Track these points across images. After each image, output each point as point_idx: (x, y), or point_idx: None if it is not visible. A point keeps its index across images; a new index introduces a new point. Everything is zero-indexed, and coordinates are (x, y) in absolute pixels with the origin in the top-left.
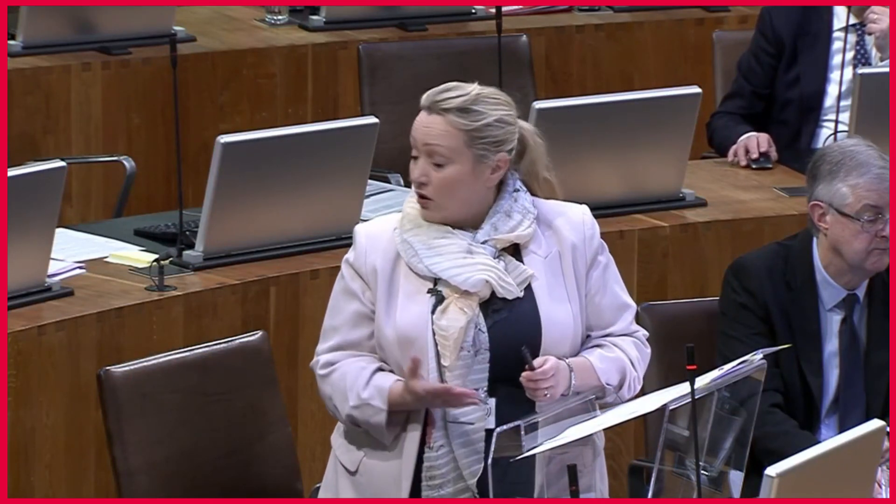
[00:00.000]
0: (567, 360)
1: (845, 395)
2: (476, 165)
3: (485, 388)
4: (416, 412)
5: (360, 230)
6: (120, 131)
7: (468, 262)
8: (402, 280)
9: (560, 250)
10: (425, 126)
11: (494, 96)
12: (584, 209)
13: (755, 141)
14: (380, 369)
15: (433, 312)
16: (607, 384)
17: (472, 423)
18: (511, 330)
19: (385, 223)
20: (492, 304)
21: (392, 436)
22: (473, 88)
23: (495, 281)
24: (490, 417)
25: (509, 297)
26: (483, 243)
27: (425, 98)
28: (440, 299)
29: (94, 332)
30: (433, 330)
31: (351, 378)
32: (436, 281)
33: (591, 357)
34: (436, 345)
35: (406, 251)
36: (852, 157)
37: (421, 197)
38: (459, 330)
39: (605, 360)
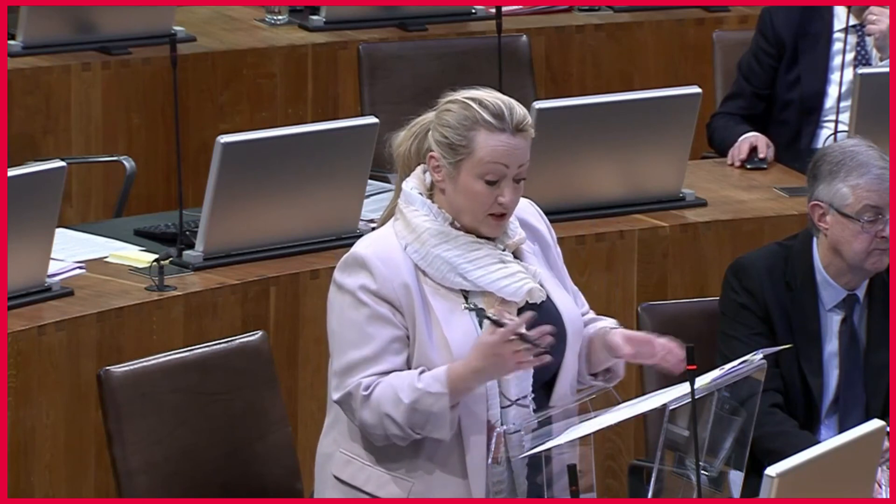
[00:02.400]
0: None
1: (845, 396)
2: None
3: (532, 395)
4: (478, 427)
5: (368, 255)
6: (120, 131)
7: (510, 272)
8: (430, 298)
9: (539, 245)
10: (517, 149)
11: None
12: (531, 202)
13: (747, 144)
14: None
15: (481, 327)
16: None
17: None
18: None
19: (387, 242)
20: (523, 310)
21: (452, 431)
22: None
23: (536, 287)
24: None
25: (538, 302)
26: (503, 250)
27: (504, 121)
28: (480, 312)
29: (94, 332)
30: None
31: (399, 381)
32: (465, 294)
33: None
34: None
35: (439, 267)
36: (853, 158)
37: (501, 216)
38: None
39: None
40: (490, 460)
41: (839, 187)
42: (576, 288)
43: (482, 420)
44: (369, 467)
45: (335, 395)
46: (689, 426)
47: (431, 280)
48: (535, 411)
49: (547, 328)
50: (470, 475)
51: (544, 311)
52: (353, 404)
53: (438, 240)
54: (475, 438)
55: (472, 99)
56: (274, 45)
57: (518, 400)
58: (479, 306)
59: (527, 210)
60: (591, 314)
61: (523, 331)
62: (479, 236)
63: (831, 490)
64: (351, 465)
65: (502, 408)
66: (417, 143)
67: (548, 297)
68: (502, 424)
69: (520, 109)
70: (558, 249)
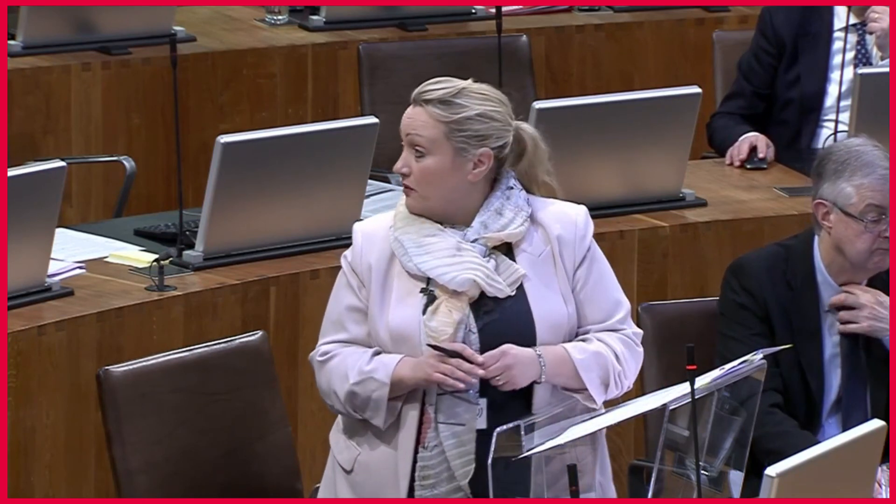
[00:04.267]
0: (537, 349)
1: (848, 395)
2: (456, 158)
3: (476, 389)
4: (411, 410)
5: (357, 228)
6: (120, 131)
7: (456, 262)
8: (395, 279)
9: (552, 249)
10: (409, 117)
11: (482, 91)
12: (582, 210)
13: (747, 144)
14: (379, 353)
15: (424, 313)
16: (586, 376)
17: (463, 424)
18: (502, 330)
19: (381, 221)
20: (483, 305)
21: (387, 420)
22: (461, 82)
23: (483, 280)
24: (481, 418)
25: (500, 297)
26: (474, 241)
27: (415, 91)
28: (431, 299)
29: (94, 332)
30: (423, 331)
31: (352, 359)
32: (428, 280)
33: (568, 346)
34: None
35: (398, 250)
36: (858, 157)
37: (406, 187)
38: (450, 332)
39: (584, 352)
40: (420, 445)
41: (843, 186)
42: (620, 300)
43: (416, 404)
44: (339, 432)
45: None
46: (689, 426)
47: (399, 262)
48: (516, 413)
49: (465, 365)
50: (398, 455)
51: (508, 310)
52: (314, 368)
53: (403, 223)
54: (408, 422)
55: None
56: (274, 45)
57: (456, 392)
58: (431, 290)
59: (561, 214)
60: (603, 333)
61: (447, 346)
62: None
63: (831, 490)
64: (335, 429)
65: (438, 394)
66: None
67: (524, 298)
68: (436, 412)
69: (432, 85)
70: (588, 258)
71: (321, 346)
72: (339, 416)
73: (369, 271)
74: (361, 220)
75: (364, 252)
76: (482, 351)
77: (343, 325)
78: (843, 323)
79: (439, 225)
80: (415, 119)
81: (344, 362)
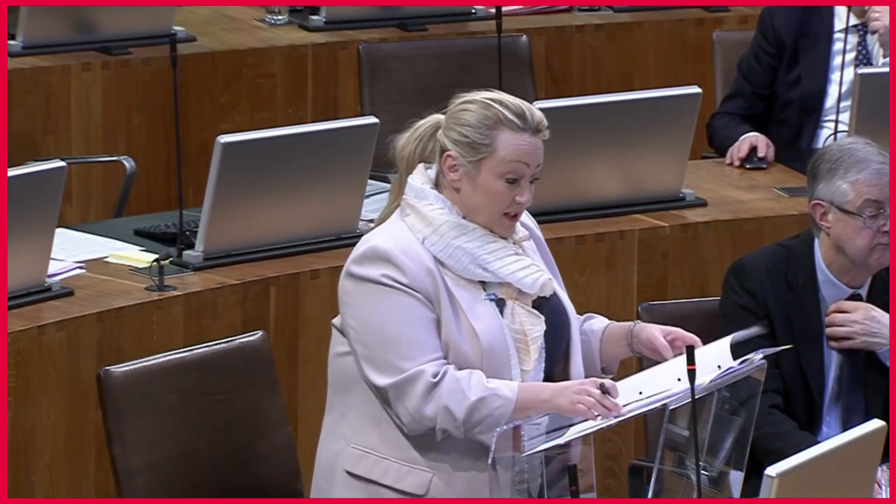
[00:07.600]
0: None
1: (847, 395)
2: None
3: None
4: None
5: (390, 248)
6: (120, 131)
7: (526, 265)
8: (452, 289)
9: (535, 243)
10: (536, 149)
11: None
12: None
13: (747, 144)
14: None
15: (502, 317)
16: None
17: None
18: (554, 325)
19: (404, 236)
20: (534, 303)
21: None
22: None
23: (549, 280)
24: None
25: (548, 295)
26: (513, 244)
27: (526, 121)
28: (500, 303)
29: (94, 332)
30: (510, 335)
31: (464, 378)
32: (483, 285)
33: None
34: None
35: (460, 258)
36: (851, 154)
37: (514, 216)
38: (542, 331)
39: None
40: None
41: (839, 184)
42: None
43: None
44: (386, 460)
45: (387, 380)
46: (689, 426)
47: (451, 272)
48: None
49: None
50: (500, 463)
51: (553, 305)
52: (413, 389)
53: (457, 232)
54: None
55: (492, 99)
56: (274, 45)
57: None
58: (500, 296)
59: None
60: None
61: (608, 386)
62: None
63: (831, 490)
64: (365, 459)
65: None
66: (422, 145)
67: (555, 292)
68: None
69: (537, 111)
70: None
71: (425, 366)
72: (354, 446)
73: (434, 283)
74: (372, 236)
75: (416, 268)
76: (548, 347)
77: (429, 342)
78: (835, 339)
79: (487, 230)
80: (541, 148)
81: (456, 380)
